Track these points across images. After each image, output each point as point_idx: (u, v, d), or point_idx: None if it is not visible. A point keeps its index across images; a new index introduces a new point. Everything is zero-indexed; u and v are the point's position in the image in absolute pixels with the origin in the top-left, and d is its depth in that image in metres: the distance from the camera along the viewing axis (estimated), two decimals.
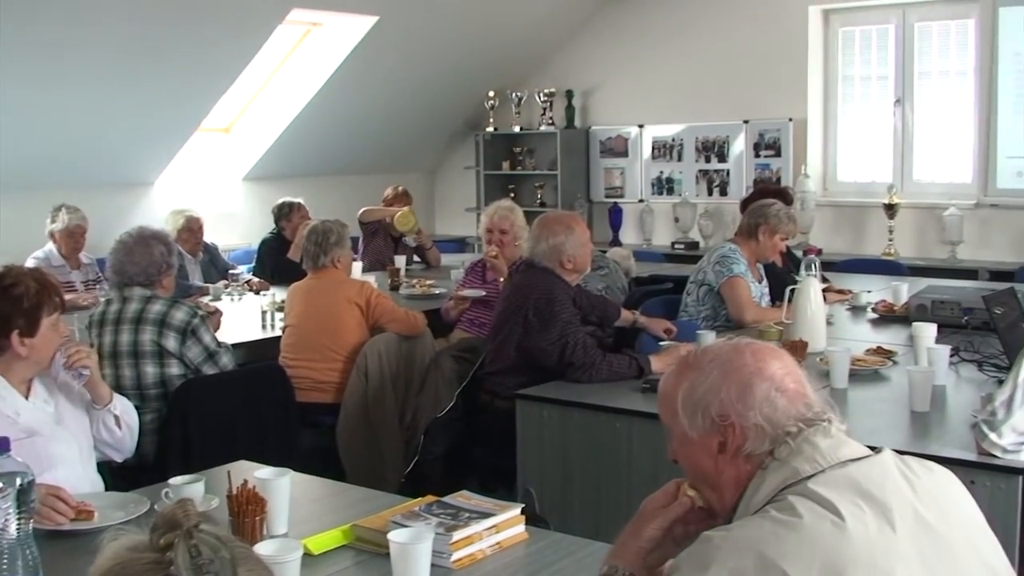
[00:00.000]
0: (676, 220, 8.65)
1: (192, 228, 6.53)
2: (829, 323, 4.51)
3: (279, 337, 4.93)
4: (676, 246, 8.50)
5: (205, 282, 6.38)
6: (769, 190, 5.98)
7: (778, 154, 8.28)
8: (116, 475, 3.20)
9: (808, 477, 1.57)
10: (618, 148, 9.13)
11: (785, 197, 5.71)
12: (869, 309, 5.17)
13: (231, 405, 3.93)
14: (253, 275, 6.63)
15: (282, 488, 2.40)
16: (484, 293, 5.26)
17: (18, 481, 1.93)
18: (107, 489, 2.89)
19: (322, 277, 4.91)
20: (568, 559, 2.26)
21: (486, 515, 2.32)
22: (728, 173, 8.58)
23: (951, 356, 3.73)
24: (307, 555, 2.18)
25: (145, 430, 3.23)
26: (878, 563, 1.46)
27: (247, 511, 2.27)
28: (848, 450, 1.62)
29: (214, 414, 3.84)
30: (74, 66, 6.32)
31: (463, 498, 2.45)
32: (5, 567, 1.90)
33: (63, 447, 2.79)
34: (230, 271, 6.70)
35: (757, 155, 8.40)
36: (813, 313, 4.28)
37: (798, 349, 3.80)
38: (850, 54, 8.11)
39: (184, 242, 6.36)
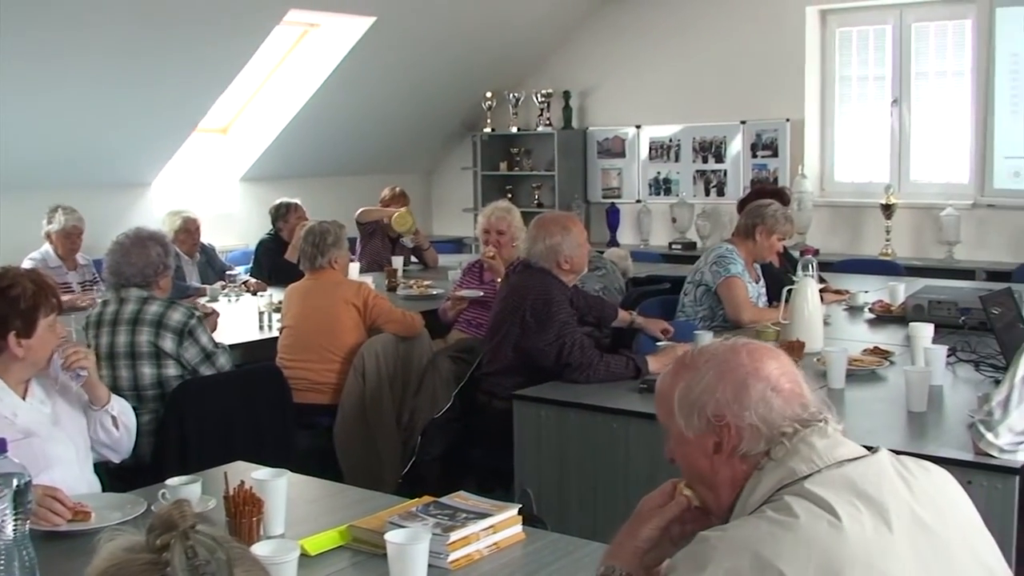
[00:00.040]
0: (673, 220, 8.66)
1: (189, 229, 6.53)
2: (826, 323, 4.51)
3: (276, 338, 4.93)
4: (673, 246, 8.50)
5: (202, 283, 6.37)
6: (766, 190, 5.99)
7: (775, 154, 8.29)
8: (113, 476, 3.19)
9: (804, 477, 1.57)
10: (615, 149, 9.13)
11: (782, 197, 5.71)
12: (866, 309, 5.17)
13: (228, 406, 3.92)
14: (250, 276, 6.62)
15: (279, 489, 2.40)
16: (482, 294, 5.26)
17: (15, 482, 1.93)
18: (104, 490, 2.89)
19: (319, 278, 4.91)
20: (565, 559, 2.26)
21: (483, 516, 2.32)
22: (725, 173, 8.59)
23: (948, 356, 3.73)
24: (304, 556, 2.17)
25: (142, 431, 3.23)
26: (874, 563, 1.46)
27: (244, 512, 2.27)
28: (844, 450, 1.62)
29: (211, 415, 3.84)
30: (71, 67, 6.32)
31: (460, 499, 2.45)
32: (2, 568, 1.90)
33: (60, 448, 2.79)
34: (227, 272, 6.69)
35: (754, 155, 8.41)
36: (810, 313, 4.28)
37: (795, 349, 3.80)
38: (847, 54, 8.12)
39: (181, 243, 6.36)
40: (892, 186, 7.72)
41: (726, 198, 8.44)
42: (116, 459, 3.08)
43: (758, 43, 8.18)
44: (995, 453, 2.75)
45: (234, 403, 3.95)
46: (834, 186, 8.28)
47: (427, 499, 2.46)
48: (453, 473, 4.02)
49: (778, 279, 4.98)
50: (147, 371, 3.87)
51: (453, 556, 2.21)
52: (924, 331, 3.91)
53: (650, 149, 8.95)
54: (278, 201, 7.11)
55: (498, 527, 2.32)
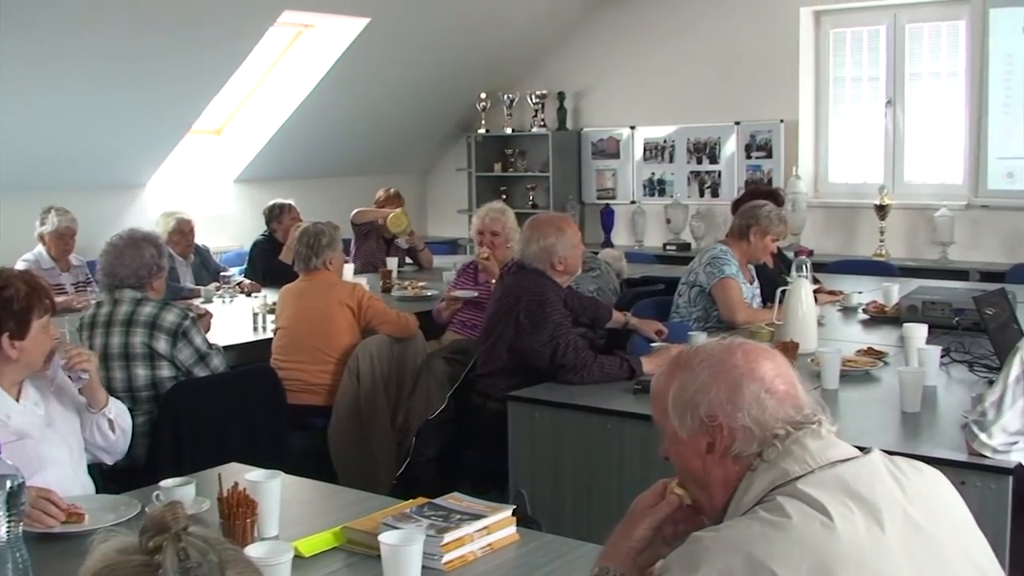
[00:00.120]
0: (668, 221, 8.66)
1: (183, 230, 6.52)
2: (820, 324, 4.52)
3: (270, 339, 4.92)
4: (668, 247, 8.51)
5: (196, 284, 6.36)
6: (760, 191, 5.99)
7: (769, 155, 8.30)
8: (107, 477, 3.19)
9: (797, 478, 1.57)
10: (610, 150, 9.14)
11: (776, 198, 5.72)
12: (860, 310, 5.18)
13: (222, 407, 3.92)
14: (244, 277, 6.61)
15: (273, 490, 2.40)
16: (476, 294, 5.26)
17: (8, 484, 1.92)
18: (98, 491, 2.89)
19: (314, 279, 4.90)
20: (559, 560, 2.27)
21: (477, 517, 2.33)
22: (719, 174, 8.60)
23: (942, 357, 3.73)
24: (298, 557, 2.17)
25: (136, 432, 3.22)
26: (867, 563, 1.46)
27: (238, 513, 2.27)
28: (837, 451, 1.62)
29: (205, 416, 3.83)
30: (65, 68, 6.31)
31: (454, 500, 2.45)
32: None
33: (54, 449, 2.78)
34: (221, 273, 6.68)
35: (748, 156, 8.42)
36: (804, 314, 4.29)
37: (789, 350, 3.80)
38: (841, 55, 8.13)
39: (175, 244, 6.35)
40: (886, 187, 7.73)
41: (720, 199, 8.45)
42: (110, 461, 3.07)
43: (752, 44, 8.19)
44: (988, 453, 2.75)
45: (228, 404, 3.95)
46: (828, 187, 8.29)
47: (421, 500, 2.46)
48: (447, 474, 4.02)
49: (772, 280, 4.98)
50: (141, 372, 3.87)
51: (447, 557, 2.21)
52: (918, 332, 3.92)
53: (644, 150, 8.95)
54: (272, 202, 7.10)
55: (492, 528, 2.32)
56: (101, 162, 7.20)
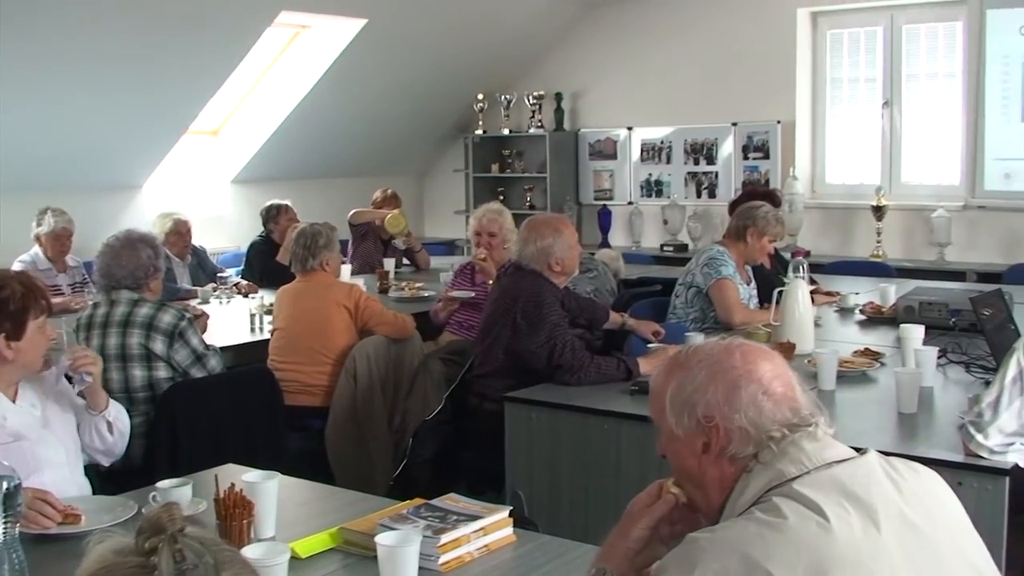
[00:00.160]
0: (665, 222, 8.66)
1: (180, 231, 6.52)
2: (817, 325, 4.52)
3: (267, 340, 4.92)
4: (665, 248, 8.51)
5: (193, 285, 6.36)
6: (757, 192, 5.99)
7: (766, 156, 8.30)
8: (103, 478, 3.18)
9: (793, 479, 1.57)
10: (607, 150, 9.14)
11: (773, 199, 5.72)
12: (857, 311, 5.18)
13: (219, 408, 3.92)
14: (241, 278, 6.61)
15: (270, 491, 2.40)
16: (473, 295, 5.26)
17: (4, 485, 1.92)
18: (94, 492, 2.89)
19: (311, 280, 4.90)
20: (556, 561, 2.27)
21: (474, 518, 2.32)
22: (717, 175, 8.60)
23: (938, 358, 3.74)
24: (295, 558, 2.18)
25: (133, 433, 3.22)
26: (863, 564, 1.46)
27: (234, 514, 2.27)
28: (833, 452, 1.62)
29: (202, 417, 3.83)
30: (62, 69, 6.30)
31: (451, 501, 2.45)
32: None
33: (50, 451, 2.78)
34: (218, 274, 6.68)
35: (746, 157, 8.42)
36: (801, 315, 4.29)
37: (786, 351, 3.79)
38: (838, 56, 8.14)
39: (172, 245, 6.35)
40: (883, 188, 7.73)
41: (717, 200, 8.45)
42: (107, 463, 3.07)
43: (749, 45, 8.19)
44: (985, 454, 2.75)
45: (225, 405, 3.94)
46: (825, 188, 8.30)
47: (418, 501, 2.46)
48: (444, 475, 4.02)
49: (769, 281, 4.99)
50: (138, 373, 3.86)
51: (444, 558, 2.21)
52: (915, 332, 3.92)
53: (641, 151, 8.95)
54: (269, 203, 7.10)
55: (489, 529, 2.32)
56: (98, 163, 7.19)
